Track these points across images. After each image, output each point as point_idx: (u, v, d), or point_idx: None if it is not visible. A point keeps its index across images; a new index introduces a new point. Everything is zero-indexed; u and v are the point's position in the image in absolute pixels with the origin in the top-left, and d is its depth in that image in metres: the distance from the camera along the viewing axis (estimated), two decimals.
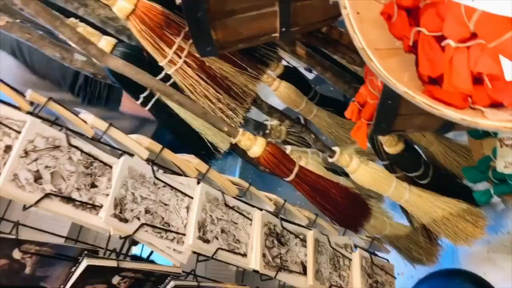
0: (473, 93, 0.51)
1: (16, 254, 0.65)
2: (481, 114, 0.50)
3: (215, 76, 0.94)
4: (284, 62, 1.51)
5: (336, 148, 1.08)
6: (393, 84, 0.50)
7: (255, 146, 0.95)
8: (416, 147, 1.19)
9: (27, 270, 0.66)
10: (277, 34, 0.65)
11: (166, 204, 0.81)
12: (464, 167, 1.08)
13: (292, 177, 0.99)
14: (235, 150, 1.08)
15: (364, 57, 0.51)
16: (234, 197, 0.91)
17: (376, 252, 1.17)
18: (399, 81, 0.51)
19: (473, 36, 0.51)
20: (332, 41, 1.08)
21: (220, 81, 0.95)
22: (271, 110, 1.12)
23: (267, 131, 1.34)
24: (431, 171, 1.15)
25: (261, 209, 0.93)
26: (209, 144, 1.04)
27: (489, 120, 0.46)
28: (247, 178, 1.04)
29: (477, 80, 0.53)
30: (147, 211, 0.77)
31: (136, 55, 0.97)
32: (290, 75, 1.41)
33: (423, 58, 0.55)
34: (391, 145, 1.09)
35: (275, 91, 1.34)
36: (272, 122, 1.39)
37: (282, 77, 1.36)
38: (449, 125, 0.74)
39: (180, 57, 0.90)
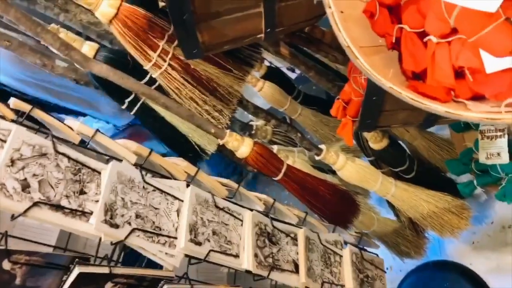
0: (455, 87, 0.53)
1: (6, 265, 0.64)
2: (464, 106, 0.51)
3: (200, 78, 0.94)
4: (267, 63, 1.53)
5: (322, 146, 1.10)
6: (379, 80, 0.51)
7: (243, 147, 0.95)
8: (400, 142, 1.21)
9: (18, 281, 0.65)
10: (262, 35, 0.66)
11: (156, 208, 0.80)
12: (447, 160, 1.11)
13: (280, 176, 1.00)
14: (223, 151, 1.08)
15: (349, 54, 0.52)
16: (224, 199, 0.92)
17: (365, 248, 1.18)
18: (384, 77, 0.52)
19: (454, 31, 0.52)
20: (314, 40, 1.09)
21: (206, 83, 0.95)
22: (257, 110, 1.12)
23: (253, 132, 1.34)
24: (415, 165, 1.18)
25: (251, 210, 0.94)
26: (196, 147, 1.04)
27: (471, 112, 0.48)
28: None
29: (459, 74, 0.54)
30: (137, 216, 0.77)
31: (120, 60, 0.96)
32: (273, 75, 1.42)
33: (406, 54, 0.57)
34: (376, 141, 1.11)
35: (259, 91, 1.35)
36: (257, 123, 1.40)
37: (265, 77, 1.38)
38: (432, 119, 0.76)
39: (164, 60, 0.90)
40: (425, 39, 0.55)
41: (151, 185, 0.80)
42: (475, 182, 1.03)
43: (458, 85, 0.53)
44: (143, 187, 0.79)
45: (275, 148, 1.30)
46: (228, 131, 0.95)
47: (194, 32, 0.61)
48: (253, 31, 0.66)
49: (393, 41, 0.61)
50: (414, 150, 1.21)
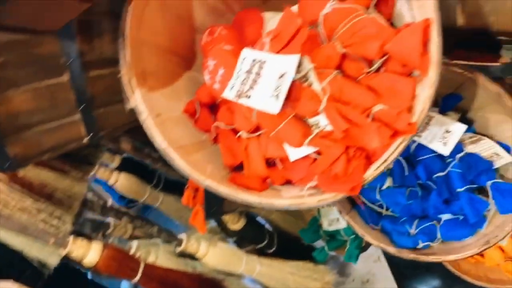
0: (269, 175, 0.57)
1: None
2: (278, 193, 0.55)
3: (32, 185, 0.86)
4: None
5: (181, 236, 1.07)
6: (197, 179, 0.53)
7: (90, 254, 0.87)
8: (258, 219, 1.25)
9: None
10: (85, 140, 0.64)
11: None
12: (300, 229, 1.17)
13: (138, 277, 0.93)
14: (70, 260, 0.97)
15: (165, 157, 0.53)
16: None
17: None
18: (203, 175, 0.54)
19: (260, 127, 0.57)
20: None
21: (39, 189, 0.87)
22: (104, 211, 1.06)
23: (110, 231, 1.25)
24: (275, 239, 1.22)
25: None
26: (35, 262, 0.91)
27: (282, 198, 0.51)
28: None
29: (272, 163, 0.59)
30: None
31: None
32: (129, 165, 1.37)
33: (224, 149, 0.60)
34: (234, 222, 1.14)
35: (114, 185, 1.28)
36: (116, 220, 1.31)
37: (120, 168, 1.31)
38: None
39: None
40: (237, 135, 0.59)
41: None
42: (326, 247, 1.10)
43: (272, 173, 0.57)
44: None
45: (135, 244, 1.22)
46: (71, 237, 0.87)
47: (1, 146, 0.56)
48: (74, 137, 0.63)
49: (214, 136, 0.64)
50: (273, 224, 1.26)
